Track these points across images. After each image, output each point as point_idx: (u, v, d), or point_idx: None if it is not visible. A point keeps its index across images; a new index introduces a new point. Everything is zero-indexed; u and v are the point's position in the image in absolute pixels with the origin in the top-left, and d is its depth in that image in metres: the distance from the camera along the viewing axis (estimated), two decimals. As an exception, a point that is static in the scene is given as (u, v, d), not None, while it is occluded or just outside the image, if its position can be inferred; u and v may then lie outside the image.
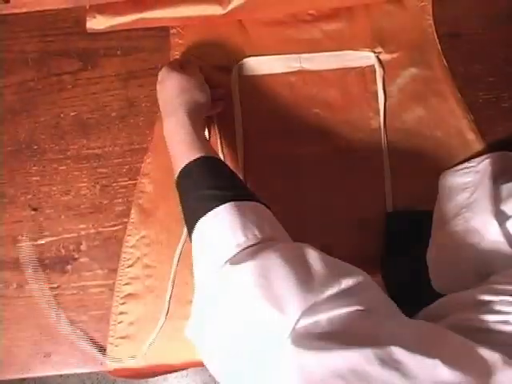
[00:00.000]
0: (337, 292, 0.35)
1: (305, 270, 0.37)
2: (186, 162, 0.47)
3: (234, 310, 0.37)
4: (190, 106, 0.52)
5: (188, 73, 0.55)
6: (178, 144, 0.49)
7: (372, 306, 0.35)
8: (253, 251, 0.39)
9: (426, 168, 0.58)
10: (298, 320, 0.33)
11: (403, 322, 0.36)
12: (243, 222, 0.41)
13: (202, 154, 0.47)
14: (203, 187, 0.45)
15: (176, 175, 0.48)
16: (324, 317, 0.33)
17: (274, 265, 0.37)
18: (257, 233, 0.41)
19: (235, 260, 0.39)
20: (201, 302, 0.40)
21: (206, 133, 0.59)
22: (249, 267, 0.37)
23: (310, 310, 0.33)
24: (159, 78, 0.55)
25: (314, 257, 0.38)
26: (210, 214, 0.43)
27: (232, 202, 0.42)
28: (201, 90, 0.54)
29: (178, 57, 0.62)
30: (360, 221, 0.57)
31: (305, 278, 0.36)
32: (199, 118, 0.53)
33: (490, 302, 0.36)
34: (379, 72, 0.60)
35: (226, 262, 0.39)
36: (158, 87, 0.55)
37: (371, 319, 0.34)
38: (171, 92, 0.53)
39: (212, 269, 0.40)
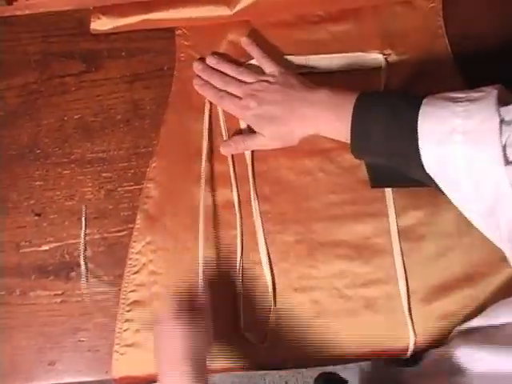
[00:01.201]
0: None
1: None
2: None
3: None
4: (194, 361, 0.46)
5: (196, 325, 0.48)
6: None
7: None
8: None
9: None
10: None
11: None
12: None
13: None
14: None
15: None
16: None
17: None
18: None
19: None
20: None
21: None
22: None
23: None
24: (157, 318, 0.49)
25: None
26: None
27: None
28: (208, 341, 0.49)
29: (183, 58, 0.61)
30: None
31: None
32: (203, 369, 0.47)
33: None
34: (387, 73, 0.59)
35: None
36: (156, 330, 0.49)
37: None
38: (175, 347, 0.46)
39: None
